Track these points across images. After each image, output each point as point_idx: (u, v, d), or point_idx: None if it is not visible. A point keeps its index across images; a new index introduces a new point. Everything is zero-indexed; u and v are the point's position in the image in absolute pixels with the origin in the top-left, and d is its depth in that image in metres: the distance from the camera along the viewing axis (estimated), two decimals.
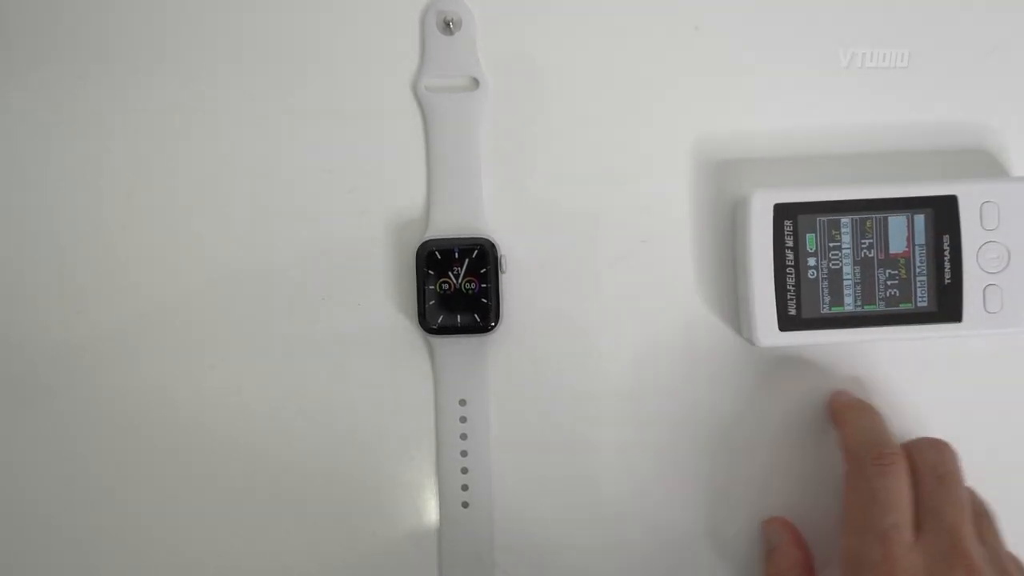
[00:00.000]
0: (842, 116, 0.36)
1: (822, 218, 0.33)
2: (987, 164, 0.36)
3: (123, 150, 0.35)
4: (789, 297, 0.33)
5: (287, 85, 0.35)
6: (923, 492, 0.31)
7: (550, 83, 0.36)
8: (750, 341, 0.34)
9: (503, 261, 0.34)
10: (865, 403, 0.34)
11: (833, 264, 0.33)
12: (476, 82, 0.35)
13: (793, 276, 0.33)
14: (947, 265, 0.33)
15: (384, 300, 0.35)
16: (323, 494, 0.36)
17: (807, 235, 0.33)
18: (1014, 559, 0.31)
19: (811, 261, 0.33)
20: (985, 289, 0.33)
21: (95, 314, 0.35)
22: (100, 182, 0.35)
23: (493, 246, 0.34)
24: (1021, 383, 0.36)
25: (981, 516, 0.32)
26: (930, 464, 0.32)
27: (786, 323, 0.33)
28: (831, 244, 0.33)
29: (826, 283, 0.33)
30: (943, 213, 0.33)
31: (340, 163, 0.35)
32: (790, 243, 0.33)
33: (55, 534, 0.35)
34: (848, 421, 0.34)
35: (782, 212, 0.33)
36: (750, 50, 0.36)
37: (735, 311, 0.35)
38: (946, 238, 0.33)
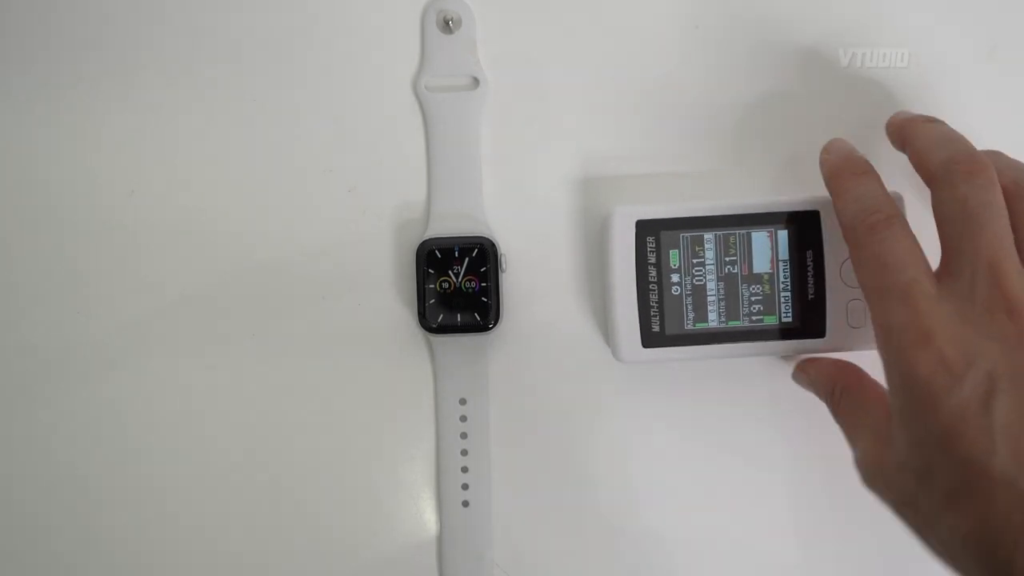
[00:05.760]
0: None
1: (685, 234, 0.33)
2: None
3: (123, 150, 0.35)
4: (653, 313, 0.33)
5: (287, 84, 0.35)
6: (947, 232, 0.27)
7: (550, 83, 0.36)
8: (614, 357, 0.34)
9: (503, 260, 0.34)
10: (853, 166, 0.31)
11: (697, 280, 0.33)
12: (476, 81, 0.35)
13: (656, 292, 0.33)
14: (810, 280, 0.33)
15: (384, 299, 0.35)
16: (323, 494, 0.35)
17: (670, 251, 0.33)
18: None
19: (675, 277, 0.33)
20: (848, 304, 0.33)
21: (95, 314, 0.35)
22: (100, 182, 0.35)
23: (493, 245, 0.34)
24: None
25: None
26: (957, 199, 0.27)
27: (650, 339, 0.33)
28: (695, 260, 0.33)
29: (690, 299, 0.33)
30: (806, 229, 0.33)
31: (340, 163, 0.35)
32: (653, 259, 0.33)
33: (55, 533, 0.35)
34: (837, 193, 0.30)
35: (644, 228, 0.33)
36: (751, 53, 0.36)
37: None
38: (809, 253, 0.33)
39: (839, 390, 0.31)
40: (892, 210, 0.29)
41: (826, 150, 0.32)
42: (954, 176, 0.27)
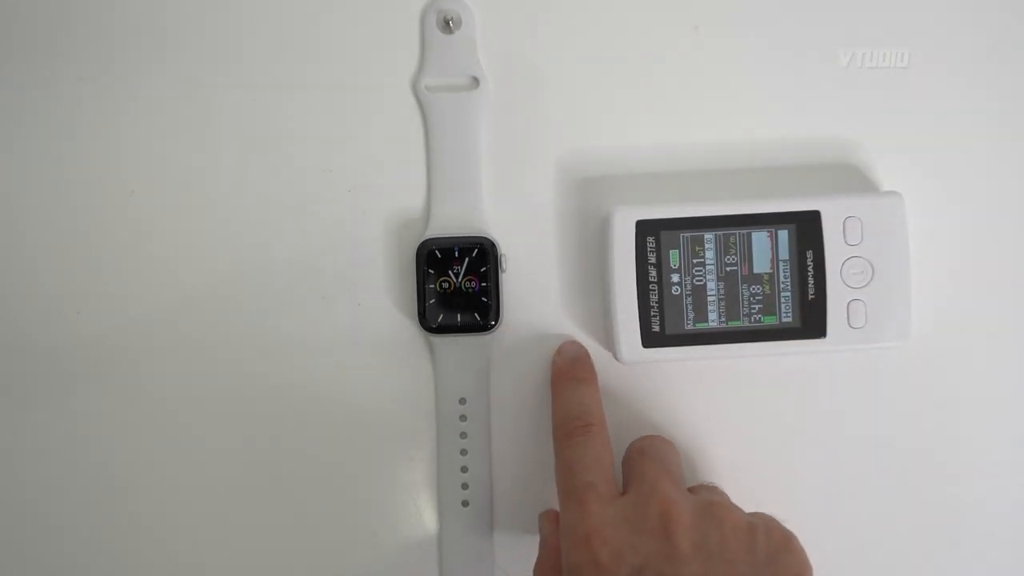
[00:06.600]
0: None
1: (685, 234, 0.33)
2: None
3: (124, 150, 0.35)
4: (653, 313, 0.33)
5: (287, 84, 0.35)
6: (627, 466, 0.32)
7: (550, 83, 0.36)
8: (615, 357, 0.34)
9: (503, 260, 0.34)
10: (573, 371, 0.34)
11: (697, 280, 0.33)
12: (476, 81, 0.35)
13: (656, 292, 0.33)
14: (811, 280, 0.33)
15: (384, 299, 0.35)
16: (323, 494, 0.35)
17: (670, 251, 0.33)
18: (723, 497, 0.32)
19: (675, 277, 0.33)
20: (849, 304, 0.33)
21: (95, 314, 0.35)
22: (101, 182, 0.35)
23: (493, 245, 0.34)
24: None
25: (700, 487, 0.33)
26: (636, 447, 0.32)
27: (650, 339, 0.33)
28: (695, 260, 0.33)
29: (690, 299, 0.33)
30: (806, 229, 0.33)
31: (340, 163, 0.35)
32: (653, 259, 0.33)
33: (56, 533, 0.35)
34: (555, 396, 0.33)
35: (644, 228, 0.33)
36: (751, 53, 0.36)
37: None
38: (810, 253, 0.33)
39: (542, 542, 0.33)
40: (593, 419, 0.32)
41: (558, 352, 0.35)
42: (642, 439, 0.33)
